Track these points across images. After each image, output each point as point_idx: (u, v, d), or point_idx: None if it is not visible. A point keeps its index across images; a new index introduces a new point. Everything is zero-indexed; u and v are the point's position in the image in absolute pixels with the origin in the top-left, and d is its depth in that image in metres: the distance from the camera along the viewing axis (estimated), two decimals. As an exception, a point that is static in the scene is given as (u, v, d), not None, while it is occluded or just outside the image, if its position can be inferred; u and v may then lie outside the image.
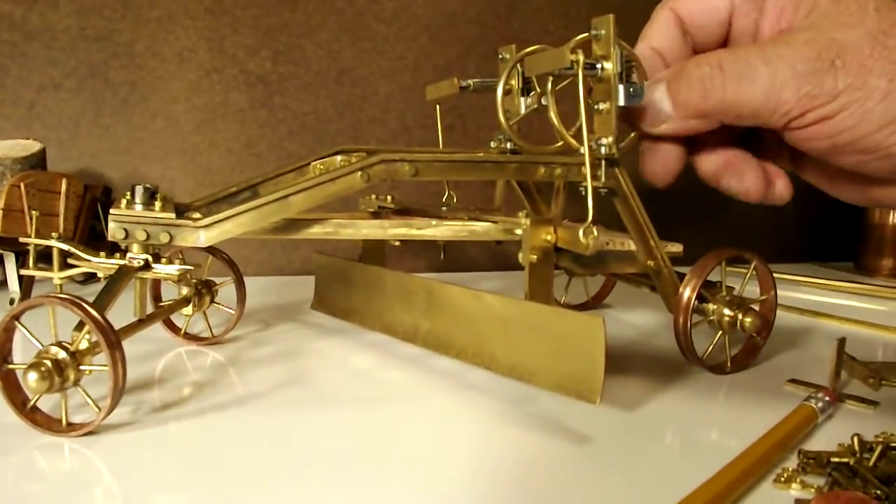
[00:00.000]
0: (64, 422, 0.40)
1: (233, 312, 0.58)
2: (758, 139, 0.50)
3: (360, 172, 0.45)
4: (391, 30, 0.87)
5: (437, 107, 0.61)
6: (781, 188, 0.49)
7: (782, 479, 0.37)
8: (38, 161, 0.71)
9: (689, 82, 0.43)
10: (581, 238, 0.46)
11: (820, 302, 0.79)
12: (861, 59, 0.42)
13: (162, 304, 0.56)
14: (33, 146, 0.71)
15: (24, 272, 0.49)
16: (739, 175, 0.48)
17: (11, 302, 0.66)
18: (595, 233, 0.46)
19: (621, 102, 0.48)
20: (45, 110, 0.80)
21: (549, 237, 0.49)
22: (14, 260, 0.67)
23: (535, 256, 0.48)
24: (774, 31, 0.44)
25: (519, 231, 0.49)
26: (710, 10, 0.46)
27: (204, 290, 0.55)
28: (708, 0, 0.45)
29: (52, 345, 0.40)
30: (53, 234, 0.48)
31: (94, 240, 0.74)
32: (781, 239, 0.87)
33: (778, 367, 0.56)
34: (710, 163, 0.48)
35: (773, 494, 0.36)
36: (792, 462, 0.39)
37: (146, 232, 0.43)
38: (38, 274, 0.48)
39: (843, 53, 0.42)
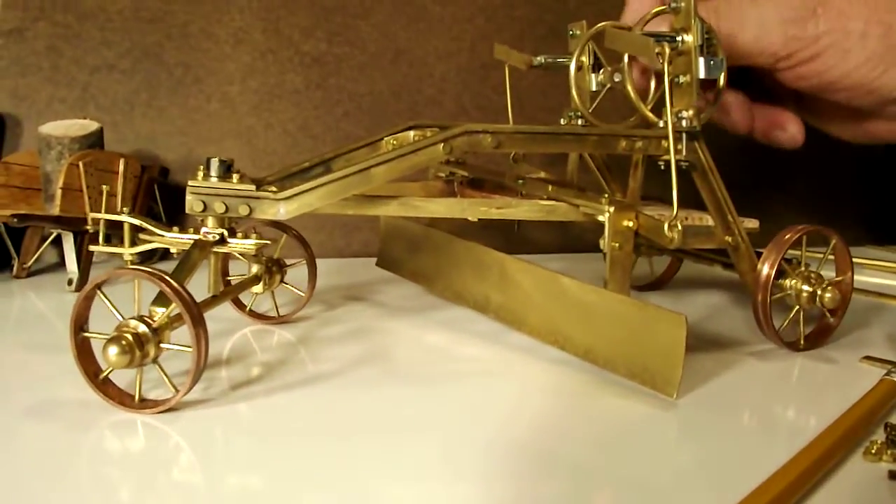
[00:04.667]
0: (137, 397, 0.39)
1: (301, 293, 0.57)
2: (767, 89, 0.57)
3: (442, 144, 0.44)
4: (447, 11, 0.86)
5: (507, 67, 0.60)
6: (794, 132, 0.57)
7: (872, 451, 0.36)
8: (96, 140, 0.71)
9: None
10: (666, 231, 0.45)
11: (884, 284, 0.77)
12: (840, 6, 0.49)
13: (230, 277, 0.55)
14: (91, 125, 0.71)
15: (93, 248, 0.49)
16: (726, 111, 0.56)
17: (70, 282, 0.65)
18: (680, 226, 0.45)
19: (702, 75, 0.48)
20: (100, 92, 0.79)
21: (630, 224, 0.48)
22: (73, 240, 0.67)
23: (618, 244, 0.47)
24: None
25: (601, 217, 0.48)
26: None
27: (274, 269, 0.54)
28: None
29: (132, 318, 0.39)
30: (124, 209, 0.48)
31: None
32: (839, 222, 0.85)
33: (849, 345, 0.54)
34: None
35: (865, 467, 0.36)
36: (879, 436, 0.38)
37: (225, 204, 0.43)
38: (107, 250, 0.48)
39: (823, 2, 0.49)
